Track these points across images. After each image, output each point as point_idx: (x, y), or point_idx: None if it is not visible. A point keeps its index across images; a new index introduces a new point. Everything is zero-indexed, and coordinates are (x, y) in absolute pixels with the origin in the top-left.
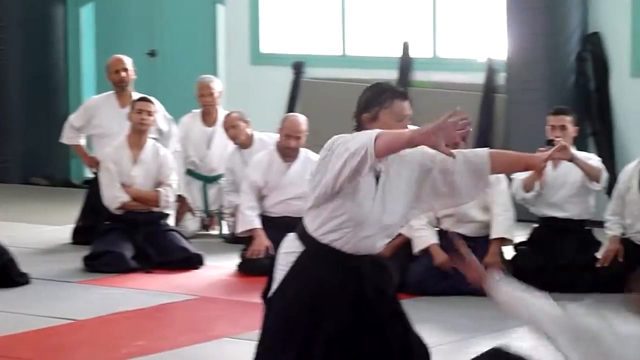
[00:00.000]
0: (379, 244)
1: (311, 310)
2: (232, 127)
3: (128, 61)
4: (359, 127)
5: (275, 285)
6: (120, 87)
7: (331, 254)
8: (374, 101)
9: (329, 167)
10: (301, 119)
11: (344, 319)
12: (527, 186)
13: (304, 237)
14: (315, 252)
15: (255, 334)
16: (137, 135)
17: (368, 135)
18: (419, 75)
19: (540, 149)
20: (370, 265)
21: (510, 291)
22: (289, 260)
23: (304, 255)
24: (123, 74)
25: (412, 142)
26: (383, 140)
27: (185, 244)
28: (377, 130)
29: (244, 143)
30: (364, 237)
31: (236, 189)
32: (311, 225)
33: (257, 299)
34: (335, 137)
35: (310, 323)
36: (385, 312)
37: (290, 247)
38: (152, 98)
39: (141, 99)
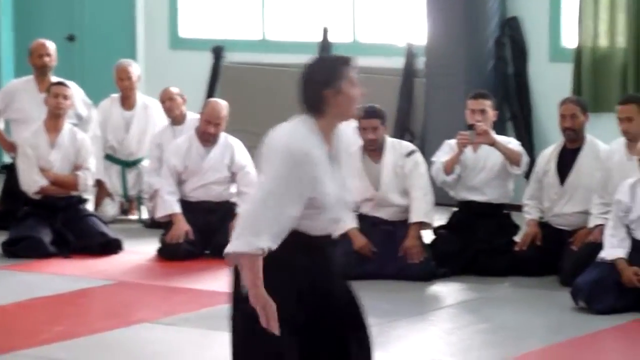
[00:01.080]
0: (341, 224)
1: (299, 300)
2: (169, 100)
3: (51, 46)
4: (319, 105)
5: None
6: (41, 71)
7: (304, 239)
8: (333, 75)
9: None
10: (222, 105)
11: (318, 303)
12: (448, 169)
13: None
14: (291, 241)
15: (175, 318)
16: (54, 119)
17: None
18: None
19: (461, 132)
20: (333, 248)
21: None
22: None
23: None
24: (46, 58)
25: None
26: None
27: (104, 228)
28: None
29: (177, 118)
30: (330, 218)
31: (160, 167)
32: None
33: (176, 283)
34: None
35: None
36: (345, 296)
37: None
38: (69, 82)
39: (57, 83)
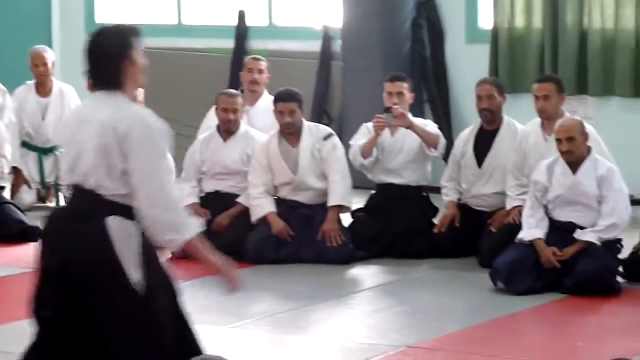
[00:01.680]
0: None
1: None
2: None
3: None
4: (118, 78)
5: None
6: None
7: None
8: (126, 46)
9: None
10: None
11: None
12: (365, 152)
13: None
14: None
15: None
16: None
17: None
18: (255, 44)
19: (378, 115)
20: None
21: None
22: None
23: None
24: None
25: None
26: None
27: (21, 216)
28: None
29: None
30: None
31: None
32: None
33: None
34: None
35: None
36: None
37: None
38: None
39: None
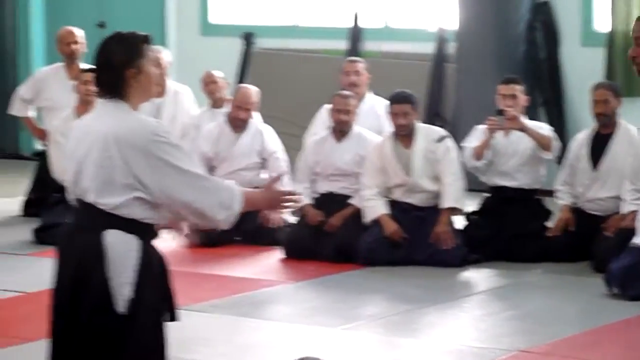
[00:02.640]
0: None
1: None
2: (211, 82)
3: (79, 33)
4: (120, 87)
5: None
6: (70, 59)
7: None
8: (133, 54)
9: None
10: (253, 91)
11: None
12: (478, 154)
13: None
14: None
15: (206, 305)
16: (85, 106)
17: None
18: (369, 46)
19: (491, 118)
20: None
21: None
22: None
23: None
24: (74, 46)
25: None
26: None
27: None
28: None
29: (218, 101)
30: None
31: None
32: None
33: (207, 270)
34: None
35: None
36: None
37: None
38: None
39: (87, 70)
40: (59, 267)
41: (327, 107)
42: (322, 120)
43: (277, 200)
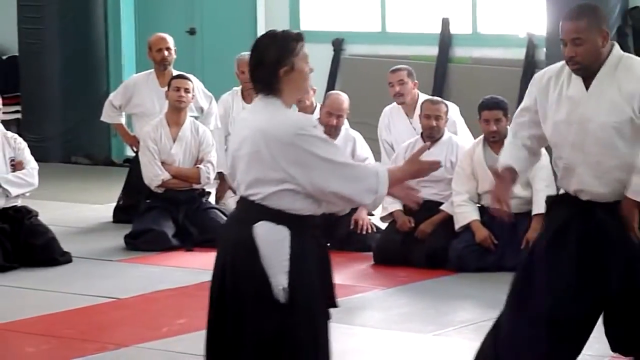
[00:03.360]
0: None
1: None
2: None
3: (170, 40)
4: (275, 84)
5: None
6: (162, 65)
7: None
8: (286, 52)
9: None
10: (344, 97)
11: None
12: None
13: None
14: None
15: None
16: (176, 113)
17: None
18: (459, 52)
19: None
20: None
21: None
22: None
23: None
24: (165, 52)
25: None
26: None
27: None
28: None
29: (306, 109)
30: None
31: None
32: None
33: None
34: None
35: None
36: None
37: None
38: (189, 75)
39: (178, 77)
40: (216, 259)
41: (386, 110)
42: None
43: (423, 170)
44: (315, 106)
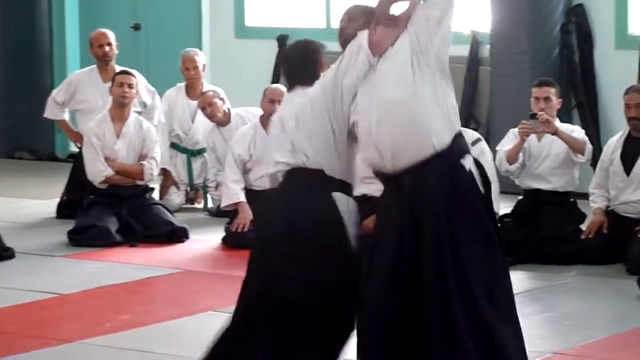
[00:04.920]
0: None
1: None
2: (208, 106)
3: (111, 35)
4: (313, 80)
5: None
6: (103, 61)
7: None
8: (320, 54)
9: None
10: (282, 87)
11: None
12: (511, 158)
13: None
14: None
15: None
16: (120, 108)
17: None
18: None
19: (524, 121)
20: None
21: None
22: None
23: None
24: (107, 48)
25: None
26: None
27: (170, 217)
28: None
29: (221, 121)
30: None
31: (219, 166)
32: None
33: (242, 272)
34: None
35: None
36: None
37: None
38: (133, 71)
39: (122, 72)
40: (269, 224)
41: None
42: None
43: None
44: (230, 114)
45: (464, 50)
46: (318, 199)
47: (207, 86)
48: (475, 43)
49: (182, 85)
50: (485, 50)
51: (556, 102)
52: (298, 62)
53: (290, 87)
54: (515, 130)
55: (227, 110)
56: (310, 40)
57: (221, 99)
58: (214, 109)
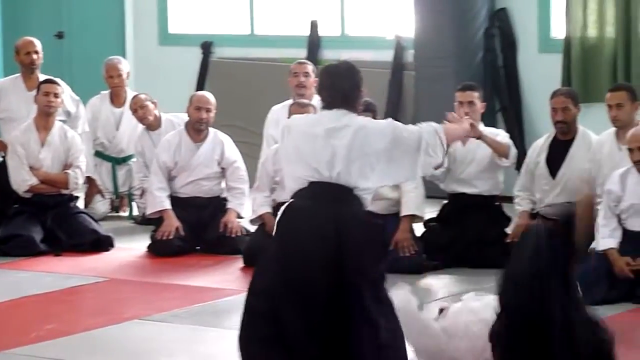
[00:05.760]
0: None
1: None
2: (140, 108)
3: (38, 43)
4: (357, 103)
5: None
6: (29, 69)
7: None
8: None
9: None
10: (209, 94)
11: None
12: None
13: None
14: None
15: (167, 315)
16: (44, 117)
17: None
18: (327, 54)
19: None
20: None
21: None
22: None
23: None
24: (34, 56)
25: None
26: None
27: (95, 226)
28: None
29: (152, 124)
30: None
31: (146, 171)
32: None
33: (167, 280)
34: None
35: None
36: None
37: None
38: (58, 80)
39: (47, 81)
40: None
41: (276, 108)
42: (273, 122)
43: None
44: (160, 118)
45: (388, 56)
46: (358, 208)
47: (131, 94)
48: (399, 48)
49: (106, 93)
50: (409, 55)
51: (480, 106)
52: (349, 88)
53: (329, 107)
54: None
55: (158, 114)
56: (354, 66)
57: (153, 103)
58: (145, 112)
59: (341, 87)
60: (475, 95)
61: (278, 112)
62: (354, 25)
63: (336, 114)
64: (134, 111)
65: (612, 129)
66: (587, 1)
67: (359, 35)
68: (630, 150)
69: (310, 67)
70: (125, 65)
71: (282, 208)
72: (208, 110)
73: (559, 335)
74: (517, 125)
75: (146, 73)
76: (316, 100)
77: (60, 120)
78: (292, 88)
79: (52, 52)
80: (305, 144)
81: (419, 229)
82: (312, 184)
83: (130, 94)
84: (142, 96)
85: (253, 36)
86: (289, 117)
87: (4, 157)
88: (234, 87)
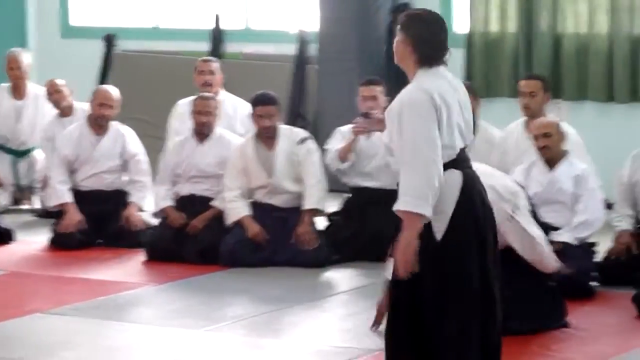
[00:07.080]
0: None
1: None
2: (55, 92)
3: None
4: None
5: None
6: None
7: None
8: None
9: None
10: (112, 90)
11: None
12: (343, 156)
13: None
14: None
15: (68, 308)
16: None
17: None
18: (230, 47)
19: (357, 120)
20: None
21: None
22: None
23: None
24: None
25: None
26: None
27: None
28: None
29: (65, 110)
30: None
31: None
32: None
33: (69, 273)
34: None
35: None
36: None
37: None
38: None
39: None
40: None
41: (182, 102)
42: (179, 116)
43: None
44: (73, 106)
45: (291, 49)
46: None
47: (32, 86)
48: (302, 42)
49: (6, 85)
50: (313, 49)
51: (383, 100)
52: (445, 38)
53: (429, 64)
54: (343, 129)
55: (71, 102)
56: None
57: (69, 89)
58: (60, 96)
59: (440, 38)
60: (379, 90)
61: (184, 106)
62: (257, 18)
63: (438, 72)
64: (49, 94)
65: (522, 119)
66: None
67: (263, 29)
68: (536, 137)
69: (215, 65)
70: (25, 57)
71: (461, 178)
72: (110, 107)
73: None
74: None
75: (49, 66)
76: (222, 95)
77: None
78: (197, 86)
79: None
80: (459, 116)
81: (321, 222)
82: (461, 151)
83: (31, 86)
84: (58, 81)
85: (157, 29)
86: (193, 110)
87: None
88: (138, 80)
